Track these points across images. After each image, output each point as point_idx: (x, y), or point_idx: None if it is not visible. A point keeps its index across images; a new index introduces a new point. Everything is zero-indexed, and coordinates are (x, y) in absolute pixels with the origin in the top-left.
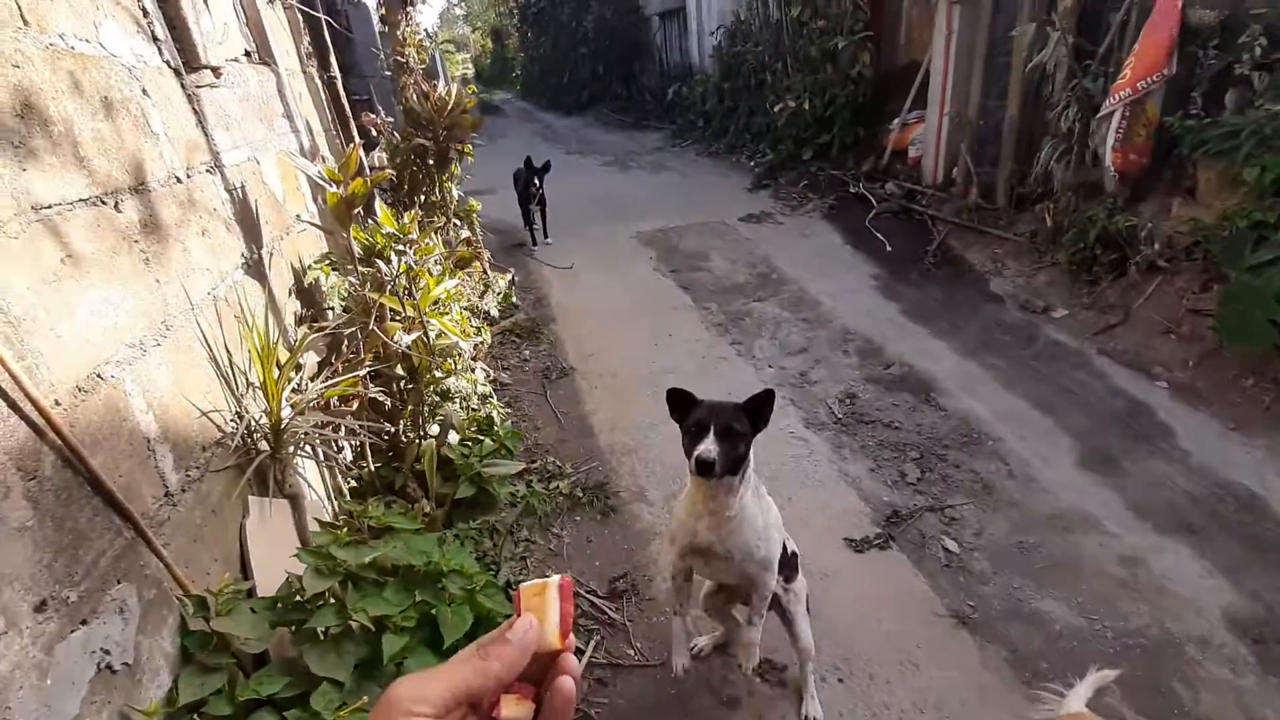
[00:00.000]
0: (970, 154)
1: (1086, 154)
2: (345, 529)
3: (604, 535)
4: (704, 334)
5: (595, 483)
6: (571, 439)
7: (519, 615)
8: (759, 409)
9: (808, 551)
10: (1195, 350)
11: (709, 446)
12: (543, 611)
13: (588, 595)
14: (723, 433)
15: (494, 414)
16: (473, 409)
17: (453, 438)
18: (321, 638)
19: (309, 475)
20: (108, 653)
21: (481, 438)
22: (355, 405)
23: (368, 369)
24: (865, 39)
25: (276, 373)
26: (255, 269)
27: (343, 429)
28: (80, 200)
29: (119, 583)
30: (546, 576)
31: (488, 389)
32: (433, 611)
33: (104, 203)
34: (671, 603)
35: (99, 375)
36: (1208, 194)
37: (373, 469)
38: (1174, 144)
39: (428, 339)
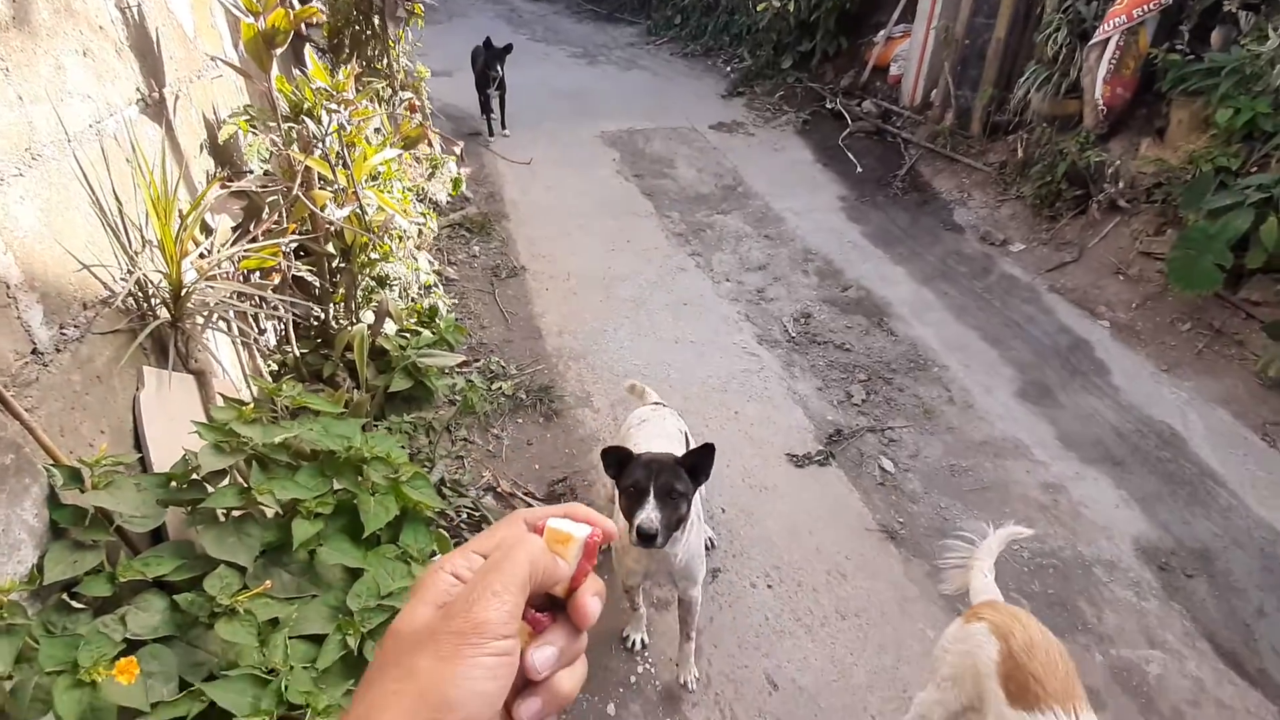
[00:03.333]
0: (952, 75)
1: (1065, 83)
2: (253, 406)
3: (545, 439)
4: (663, 243)
5: (540, 386)
6: (518, 340)
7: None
8: (699, 464)
9: (749, 465)
10: (1140, 292)
11: (650, 515)
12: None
13: (525, 497)
14: (663, 495)
15: (440, 304)
16: (413, 298)
17: (390, 327)
18: (222, 519)
19: (222, 353)
20: None
21: (421, 329)
22: (277, 280)
23: (291, 240)
24: None
25: (176, 229)
26: (155, 110)
27: (263, 305)
28: None
29: None
30: (572, 523)
31: (431, 279)
32: (354, 500)
33: None
34: (630, 604)
35: None
36: (1177, 135)
37: (298, 354)
38: (1151, 82)
39: (363, 214)
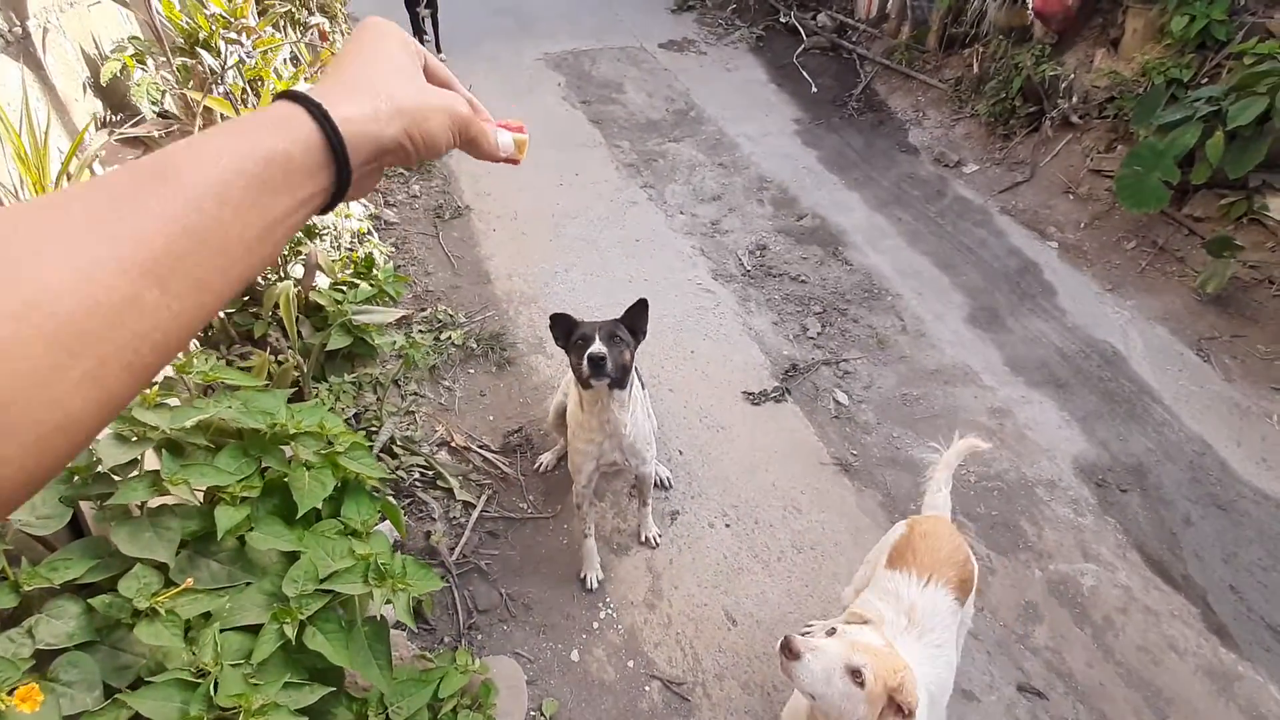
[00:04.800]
0: None
1: None
2: (157, 389)
3: (498, 388)
4: (614, 175)
5: (490, 333)
6: (465, 285)
7: (503, 127)
8: (635, 320)
9: (706, 405)
10: (1089, 211)
11: (598, 346)
12: (518, 153)
13: (480, 450)
14: (608, 338)
15: (376, 253)
16: (347, 248)
17: (323, 281)
18: (137, 513)
19: None
20: None
21: (358, 281)
22: None
23: None
24: None
25: (54, 186)
26: (19, 48)
27: None
28: None
29: None
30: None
31: (365, 225)
32: (284, 479)
33: None
34: (581, 527)
35: None
36: (1131, 46)
37: (223, 315)
38: None
39: None
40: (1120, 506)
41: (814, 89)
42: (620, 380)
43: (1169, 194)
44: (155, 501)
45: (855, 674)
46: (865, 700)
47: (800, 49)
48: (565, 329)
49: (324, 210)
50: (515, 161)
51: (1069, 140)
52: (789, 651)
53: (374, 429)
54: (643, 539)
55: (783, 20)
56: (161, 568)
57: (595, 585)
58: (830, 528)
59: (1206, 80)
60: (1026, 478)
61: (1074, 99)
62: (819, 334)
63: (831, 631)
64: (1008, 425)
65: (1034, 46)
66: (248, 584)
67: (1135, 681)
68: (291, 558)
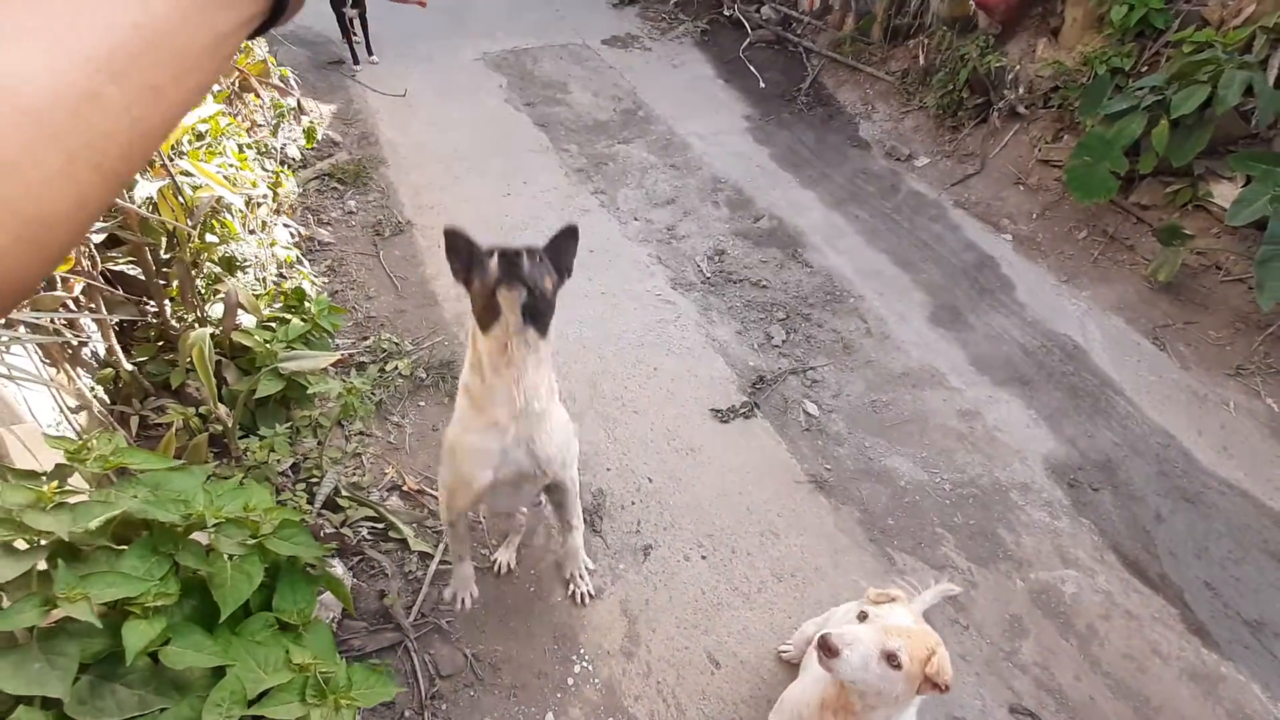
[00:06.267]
0: None
1: None
2: (55, 486)
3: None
4: (563, 181)
5: (440, 361)
6: (411, 309)
7: None
8: (559, 254)
9: (674, 426)
10: (1040, 202)
11: (517, 252)
12: None
13: (434, 494)
14: (530, 254)
15: (306, 285)
16: (276, 279)
17: (248, 319)
18: (24, 639)
19: (24, 396)
20: None
21: (289, 316)
22: (80, 285)
23: (95, 231)
24: None
25: None
26: None
27: (79, 310)
28: None
29: None
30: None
31: (293, 254)
32: (201, 573)
33: None
34: (457, 549)
35: None
36: (1072, 35)
37: (131, 368)
38: None
39: (179, 191)
40: (1093, 506)
41: (762, 84)
42: (540, 317)
43: (1117, 184)
44: (50, 618)
45: (891, 658)
46: (904, 680)
47: (746, 43)
48: (466, 251)
49: (258, 33)
50: (422, 4)
51: (1016, 131)
52: (828, 650)
53: (315, 479)
54: (566, 575)
55: (726, 13)
56: (55, 702)
57: (466, 606)
58: (810, 551)
59: (1146, 69)
60: (1000, 482)
61: (1020, 90)
62: (784, 341)
63: (863, 616)
64: (977, 428)
65: (978, 37)
66: (163, 710)
67: (1124, 692)
68: (218, 669)
